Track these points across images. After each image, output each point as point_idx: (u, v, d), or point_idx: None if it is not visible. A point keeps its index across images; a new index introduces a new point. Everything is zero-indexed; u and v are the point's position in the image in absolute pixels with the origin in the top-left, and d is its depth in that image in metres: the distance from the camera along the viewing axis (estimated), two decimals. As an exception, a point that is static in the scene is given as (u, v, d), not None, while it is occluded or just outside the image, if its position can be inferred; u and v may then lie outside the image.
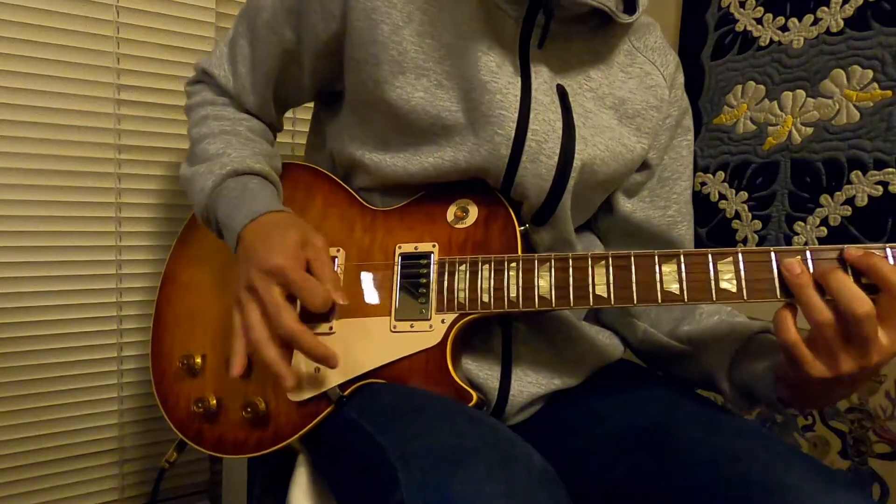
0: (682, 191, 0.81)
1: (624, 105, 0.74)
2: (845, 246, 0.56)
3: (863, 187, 0.97)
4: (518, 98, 0.67)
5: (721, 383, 0.69)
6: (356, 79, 0.72)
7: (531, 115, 0.67)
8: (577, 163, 0.68)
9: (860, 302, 0.53)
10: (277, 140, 0.90)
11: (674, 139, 0.80)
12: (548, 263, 0.64)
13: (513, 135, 0.66)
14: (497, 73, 0.67)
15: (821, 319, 0.54)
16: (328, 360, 0.64)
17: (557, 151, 0.68)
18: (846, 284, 0.54)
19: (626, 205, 0.80)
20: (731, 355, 0.69)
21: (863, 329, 0.53)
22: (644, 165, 0.78)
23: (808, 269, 0.56)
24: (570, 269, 0.64)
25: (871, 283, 0.54)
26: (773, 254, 0.58)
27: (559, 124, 0.68)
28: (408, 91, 0.67)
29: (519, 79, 0.68)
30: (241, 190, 0.72)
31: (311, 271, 0.65)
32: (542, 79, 0.69)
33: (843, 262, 0.56)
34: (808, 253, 0.57)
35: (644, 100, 0.75)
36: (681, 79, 0.81)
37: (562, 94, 0.70)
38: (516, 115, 0.67)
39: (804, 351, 0.56)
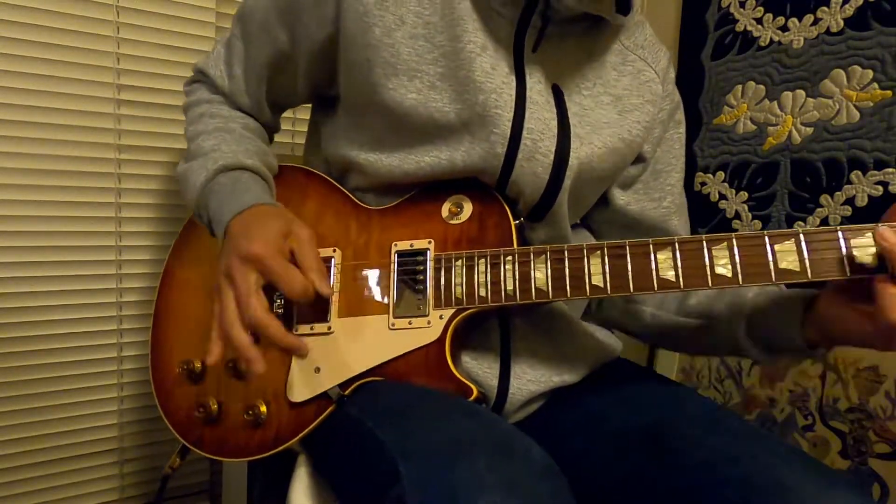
0: (675, 182, 0.82)
1: (621, 101, 0.75)
2: (840, 227, 0.57)
3: (863, 187, 0.97)
4: (513, 97, 0.67)
5: (742, 343, 0.70)
6: (350, 81, 0.72)
7: (526, 114, 0.67)
8: (572, 161, 0.69)
9: None
10: (277, 140, 0.91)
11: (666, 132, 0.81)
12: (543, 255, 0.65)
13: (508, 133, 0.67)
14: (492, 73, 0.67)
15: None
16: (298, 350, 0.64)
17: (553, 150, 0.68)
18: None
19: (621, 198, 0.80)
20: (745, 316, 0.70)
21: None
22: (638, 159, 0.79)
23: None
24: (566, 261, 0.64)
25: None
26: (766, 238, 0.59)
27: (554, 123, 0.69)
28: (401, 93, 0.68)
29: (514, 78, 0.68)
30: (233, 184, 0.72)
31: (295, 262, 0.64)
32: (537, 78, 0.69)
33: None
34: (801, 235, 0.58)
35: (640, 95, 0.76)
36: (672, 74, 0.82)
37: (556, 93, 0.70)
38: (511, 113, 0.67)
39: None
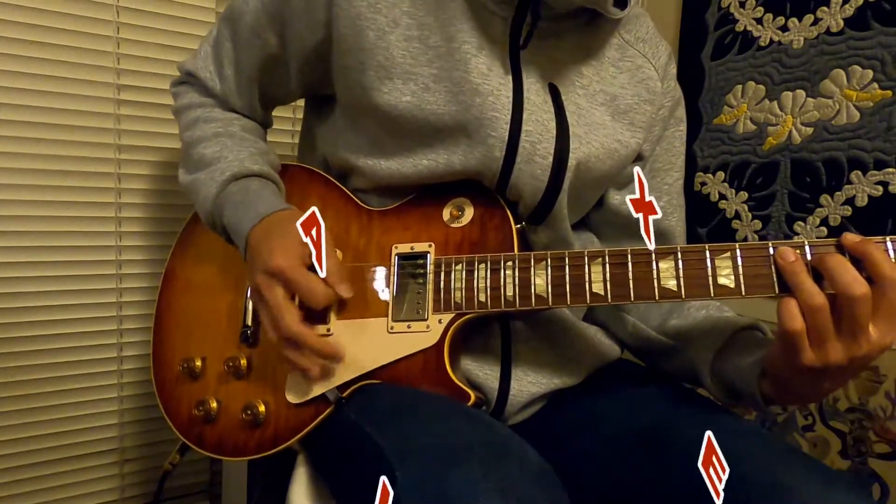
0: (674, 182, 0.80)
1: (616, 101, 0.73)
2: (844, 234, 0.56)
3: (863, 187, 0.97)
4: (510, 99, 0.67)
5: (704, 378, 0.69)
6: (345, 84, 0.72)
7: (524, 116, 0.67)
8: (572, 162, 0.68)
9: (857, 284, 0.52)
10: (278, 140, 0.91)
11: (666, 130, 0.79)
12: (544, 262, 0.64)
13: (506, 136, 0.66)
14: (488, 74, 0.67)
15: (815, 304, 0.53)
16: (335, 357, 0.66)
17: (552, 151, 0.68)
18: (843, 266, 0.53)
19: (615, 197, 0.79)
20: (715, 350, 0.68)
21: (857, 311, 0.52)
22: (637, 157, 0.77)
23: (804, 257, 0.56)
24: (567, 267, 0.63)
25: (866, 276, 0.53)
26: (771, 248, 0.57)
27: (552, 124, 0.68)
28: (395, 96, 0.67)
29: (510, 79, 0.68)
30: (244, 194, 0.73)
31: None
32: (534, 78, 0.69)
33: (840, 249, 0.55)
34: (806, 246, 0.56)
35: (636, 94, 0.75)
36: (673, 69, 0.80)
37: (554, 92, 0.70)
38: (509, 116, 0.66)
39: (803, 340, 0.54)
